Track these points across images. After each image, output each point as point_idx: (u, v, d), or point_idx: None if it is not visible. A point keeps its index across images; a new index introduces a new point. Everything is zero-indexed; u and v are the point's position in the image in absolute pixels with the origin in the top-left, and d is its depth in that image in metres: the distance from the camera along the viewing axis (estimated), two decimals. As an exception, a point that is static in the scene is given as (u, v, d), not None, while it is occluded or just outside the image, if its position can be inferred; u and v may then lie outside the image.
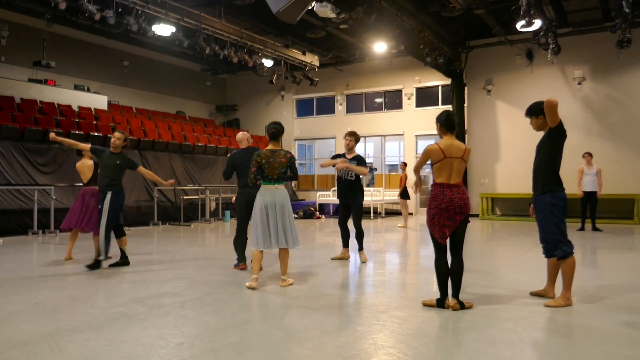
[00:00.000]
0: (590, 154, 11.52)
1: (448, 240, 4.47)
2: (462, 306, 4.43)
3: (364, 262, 7.07)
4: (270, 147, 5.44)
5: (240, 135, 6.79)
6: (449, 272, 4.46)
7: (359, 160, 6.99)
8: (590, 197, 11.33)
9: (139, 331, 3.79)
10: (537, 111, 4.64)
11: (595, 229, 11.43)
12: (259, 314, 4.33)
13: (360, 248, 7.17)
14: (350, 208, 7.07)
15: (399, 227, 12.96)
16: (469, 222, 4.58)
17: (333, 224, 13.99)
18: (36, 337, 3.64)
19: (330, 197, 16.96)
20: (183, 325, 3.99)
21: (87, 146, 6.89)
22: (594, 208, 11.38)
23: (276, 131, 5.45)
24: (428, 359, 3.28)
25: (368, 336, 3.71)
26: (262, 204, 5.29)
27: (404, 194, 13.12)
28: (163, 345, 3.47)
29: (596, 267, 7.11)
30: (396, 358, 3.26)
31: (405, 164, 14.00)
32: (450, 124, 4.52)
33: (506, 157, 16.03)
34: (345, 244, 7.36)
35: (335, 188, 7.32)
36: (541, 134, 4.77)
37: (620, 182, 14.25)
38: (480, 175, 16.41)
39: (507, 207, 16.04)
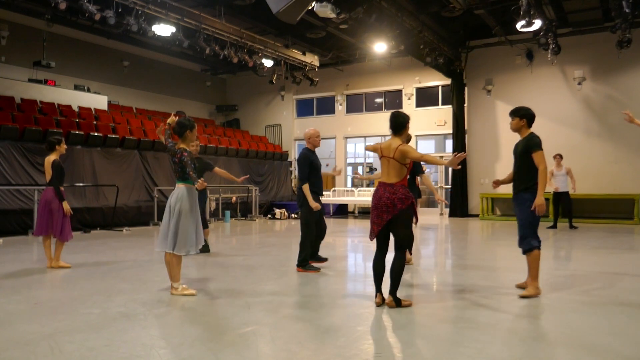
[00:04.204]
0: (560, 156, 11.98)
1: (392, 238, 4.47)
2: (398, 304, 4.38)
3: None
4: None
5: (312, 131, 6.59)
6: (390, 269, 4.41)
7: None
8: (562, 197, 11.92)
9: (139, 331, 3.79)
10: (519, 113, 5.02)
11: (572, 226, 12.06)
12: (258, 314, 4.33)
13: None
14: None
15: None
16: (413, 222, 4.46)
17: (333, 223, 14.00)
18: (36, 337, 3.64)
19: (330, 197, 16.94)
20: (183, 325, 3.99)
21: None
22: (569, 207, 12.00)
23: (180, 125, 5.02)
24: (428, 359, 3.28)
25: (368, 336, 3.71)
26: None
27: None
28: (163, 345, 3.48)
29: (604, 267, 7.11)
30: (396, 358, 3.26)
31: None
32: (396, 126, 4.53)
33: (506, 157, 15.99)
34: None
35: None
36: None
37: (620, 182, 14.24)
38: (480, 175, 16.40)
39: (507, 207, 16.01)
